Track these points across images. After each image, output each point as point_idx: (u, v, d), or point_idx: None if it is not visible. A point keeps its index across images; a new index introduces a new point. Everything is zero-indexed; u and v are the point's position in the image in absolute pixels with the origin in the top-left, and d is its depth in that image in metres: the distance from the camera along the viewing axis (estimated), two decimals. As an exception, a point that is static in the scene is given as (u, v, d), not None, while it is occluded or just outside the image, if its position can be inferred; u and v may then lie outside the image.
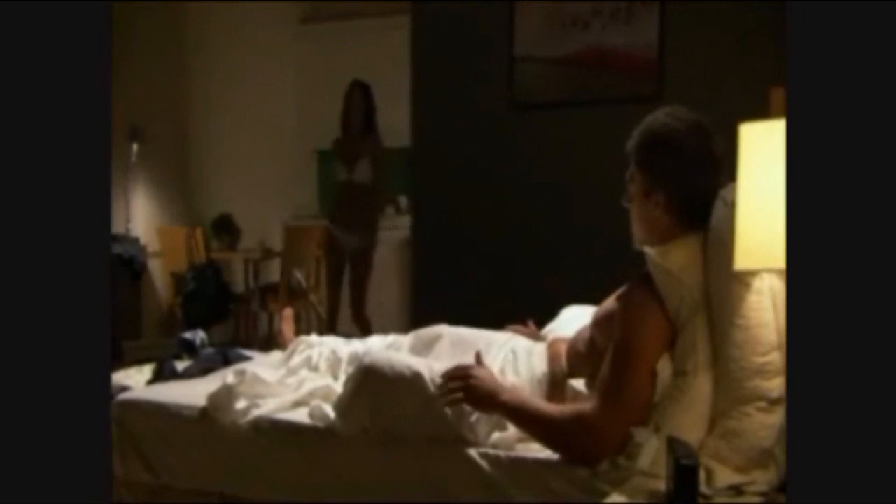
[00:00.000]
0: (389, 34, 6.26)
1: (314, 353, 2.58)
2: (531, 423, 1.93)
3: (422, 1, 4.46)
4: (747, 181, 1.66)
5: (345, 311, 5.59)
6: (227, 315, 6.18)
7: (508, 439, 1.99)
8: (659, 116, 1.95)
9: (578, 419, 1.85)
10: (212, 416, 2.25)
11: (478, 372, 2.00)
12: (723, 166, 1.90)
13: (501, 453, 1.95)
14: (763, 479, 1.71)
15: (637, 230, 2.03)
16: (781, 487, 1.69)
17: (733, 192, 1.73)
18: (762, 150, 1.64)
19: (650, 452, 1.78)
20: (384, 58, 6.48)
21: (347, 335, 2.98)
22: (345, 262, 5.52)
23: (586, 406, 1.87)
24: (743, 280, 1.76)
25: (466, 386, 1.96)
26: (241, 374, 2.30)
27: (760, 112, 2.33)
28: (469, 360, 2.20)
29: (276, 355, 2.86)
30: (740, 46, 3.72)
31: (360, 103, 5.43)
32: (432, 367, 2.07)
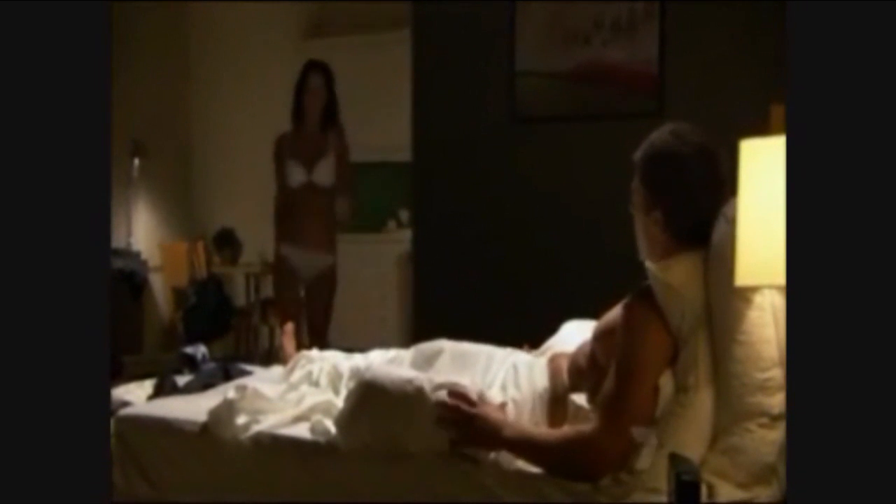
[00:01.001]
0: (391, 49, 6.29)
1: (315, 368, 2.57)
2: (535, 453, 1.92)
3: (423, 14, 4.48)
4: (748, 197, 1.67)
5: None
6: (228, 329, 6.18)
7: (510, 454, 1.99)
8: (664, 135, 1.95)
9: (581, 439, 1.85)
10: (213, 431, 2.25)
11: (480, 411, 1.99)
12: (726, 187, 1.89)
13: (503, 467, 1.95)
14: (765, 496, 1.70)
15: (640, 242, 2.04)
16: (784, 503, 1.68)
17: (734, 207, 1.74)
18: (762, 166, 1.65)
19: (650, 452, 1.78)
20: (385, 72, 6.50)
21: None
22: (299, 289, 4.50)
23: (588, 424, 1.87)
24: (744, 296, 1.76)
25: (471, 427, 1.96)
26: (242, 389, 2.30)
27: (760, 128, 2.34)
28: (470, 374, 2.20)
29: (276, 370, 2.86)
30: (740, 63, 3.73)
31: (320, 90, 4.42)
32: (433, 381, 2.07)
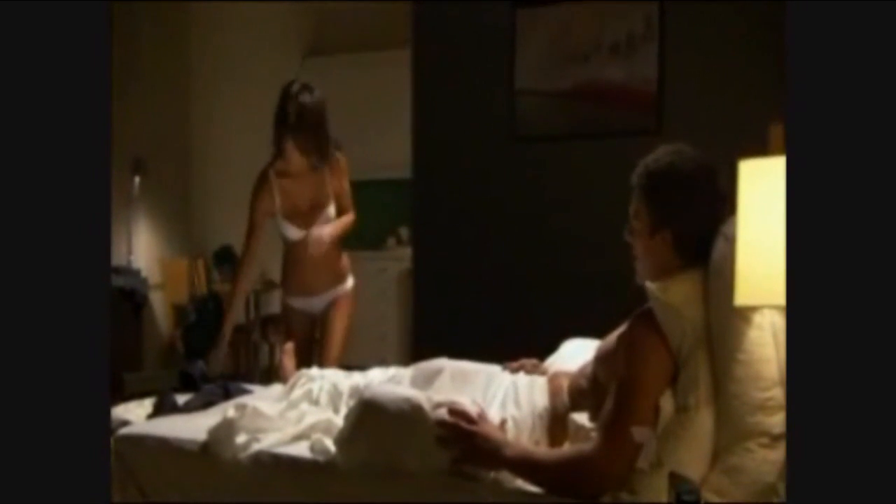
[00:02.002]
0: (391, 67, 6.32)
1: (315, 387, 2.57)
2: (535, 472, 1.92)
3: (423, 33, 4.51)
4: (747, 217, 1.67)
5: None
6: (228, 347, 6.17)
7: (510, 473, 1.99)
8: (663, 156, 1.96)
9: (581, 458, 1.85)
10: (212, 450, 2.24)
11: (480, 429, 1.99)
12: (727, 203, 1.90)
13: (503, 486, 1.95)
14: (766, 515, 1.70)
15: (641, 265, 2.04)
16: (784, 523, 1.68)
17: (733, 226, 1.74)
18: (762, 186, 1.65)
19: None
20: (386, 90, 6.53)
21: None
22: (314, 327, 3.82)
23: (588, 443, 1.87)
24: (744, 315, 1.77)
25: (471, 445, 1.96)
26: (242, 407, 2.30)
27: (758, 148, 2.35)
28: (470, 393, 2.20)
29: (276, 388, 2.86)
30: (738, 83, 3.75)
31: (314, 112, 3.44)
32: (433, 400, 2.07)
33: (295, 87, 3.43)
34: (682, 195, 1.92)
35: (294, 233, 3.58)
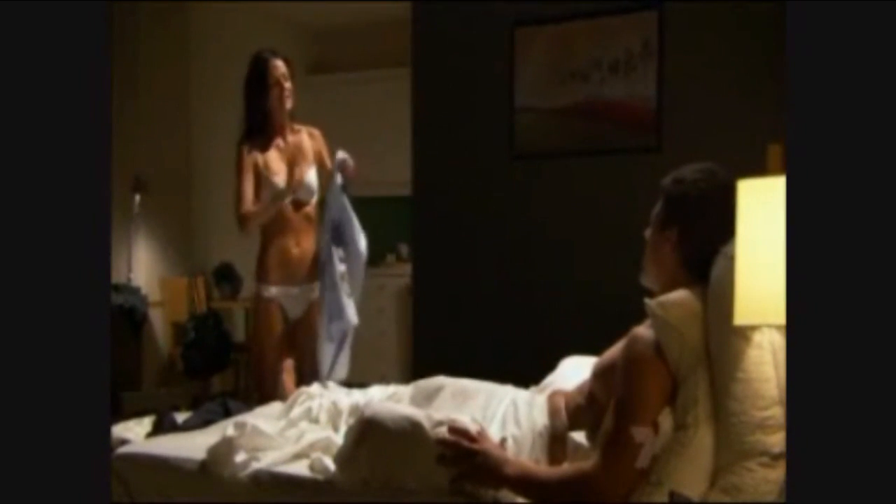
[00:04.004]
0: (391, 85, 6.35)
1: (314, 405, 2.57)
2: (536, 490, 1.92)
3: (424, 51, 4.53)
4: (746, 236, 1.68)
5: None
6: (228, 364, 6.17)
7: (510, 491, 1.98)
8: (696, 166, 1.99)
9: (581, 477, 1.84)
10: (211, 469, 2.24)
11: (481, 447, 1.98)
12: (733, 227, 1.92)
13: (503, 502, 1.94)
14: (766, 535, 1.70)
15: (647, 266, 2.07)
16: (785, 543, 1.67)
17: (733, 245, 1.75)
18: (761, 206, 1.66)
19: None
20: (386, 107, 6.56)
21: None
22: (287, 330, 3.71)
23: (588, 462, 1.87)
24: (743, 334, 1.77)
25: (472, 463, 1.96)
26: (242, 426, 2.29)
27: (757, 167, 2.36)
28: (470, 411, 2.19)
29: (276, 406, 2.85)
30: (738, 101, 3.76)
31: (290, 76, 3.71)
32: (433, 418, 2.07)
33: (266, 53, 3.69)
34: (696, 200, 1.94)
35: (280, 180, 3.56)
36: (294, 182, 3.56)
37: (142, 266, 6.35)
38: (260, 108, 3.62)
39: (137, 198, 6.20)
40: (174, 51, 6.61)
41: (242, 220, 3.56)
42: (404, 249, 7.17)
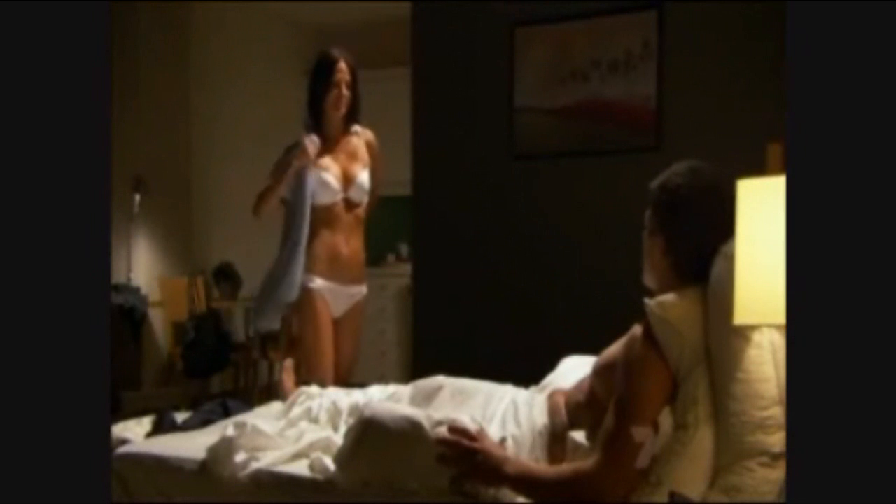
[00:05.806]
0: (391, 85, 6.34)
1: (314, 405, 2.57)
2: (536, 489, 1.92)
3: (423, 52, 4.53)
4: (746, 236, 1.68)
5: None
6: (228, 364, 6.17)
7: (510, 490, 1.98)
8: (681, 167, 1.98)
9: (582, 476, 1.84)
10: (211, 469, 2.24)
11: (481, 446, 1.98)
12: (730, 227, 1.91)
13: (503, 502, 1.94)
14: (766, 535, 1.69)
15: (644, 267, 2.07)
16: (785, 543, 1.67)
17: (732, 245, 1.74)
18: (761, 205, 1.65)
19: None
20: (386, 108, 6.54)
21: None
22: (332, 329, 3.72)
23: (588, 462, 1.87)
24: (743, 334, 1.77)
25: (472, 463, 1.96)
26: (241, 426, 2.29)
27: (757, 166, 2.36)
28: (470, 410, 2.19)
29: (275, 406, 2.85)
30: (738, 101, 3.76)
31: (350, 81, 3.67)
32: (433, 418, 2.07)
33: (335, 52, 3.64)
34: (680, 205, 1.93)
35: (332, 181, 3.61)
36: (344, 182, 3.66)
37: (142, 266, 6.36)
38: (317, 107, 3.67)
39: (137, 198, 6.20)
40: (174, 51, 6.61)
41: (259, 197, 3.68)
42: (404, 249, 7.17)
